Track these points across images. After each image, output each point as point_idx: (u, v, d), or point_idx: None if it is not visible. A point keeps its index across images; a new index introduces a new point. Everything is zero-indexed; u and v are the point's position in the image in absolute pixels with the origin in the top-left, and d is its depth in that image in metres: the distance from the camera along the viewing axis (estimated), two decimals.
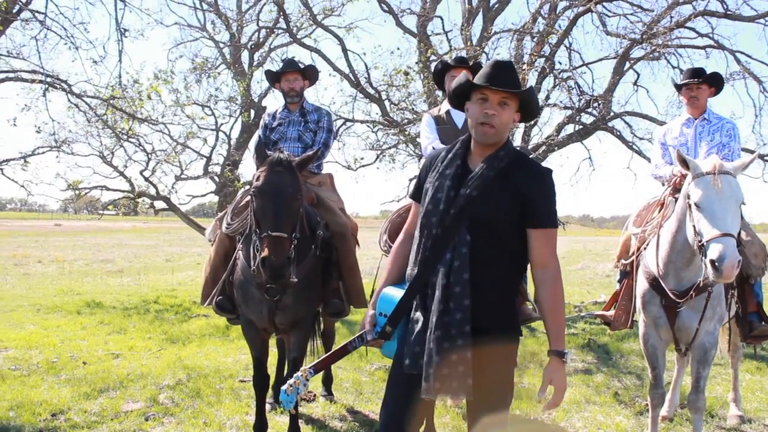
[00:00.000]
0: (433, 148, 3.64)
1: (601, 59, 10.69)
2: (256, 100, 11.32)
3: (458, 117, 4.04)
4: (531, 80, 10.06)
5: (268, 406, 4.25)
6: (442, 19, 11.80)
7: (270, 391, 4.36)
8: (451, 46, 10.26)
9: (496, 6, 10.67)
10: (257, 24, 11.17)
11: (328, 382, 5.02)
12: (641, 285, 3.78)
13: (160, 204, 11.10)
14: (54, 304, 9.45)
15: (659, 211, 3.86)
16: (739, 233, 3.10)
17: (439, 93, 8.73)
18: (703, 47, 10.10)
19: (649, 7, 9.89)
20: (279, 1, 9.72)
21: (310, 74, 4.73)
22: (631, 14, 10.19)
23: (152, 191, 11.08)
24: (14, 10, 8.40)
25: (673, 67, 10.44)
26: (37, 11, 8.46)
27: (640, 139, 10.54)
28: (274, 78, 4.69)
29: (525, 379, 5.49)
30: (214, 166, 11.56)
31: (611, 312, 4.24)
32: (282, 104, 4.73)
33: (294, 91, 4.58)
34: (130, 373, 5.43)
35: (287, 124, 4.61)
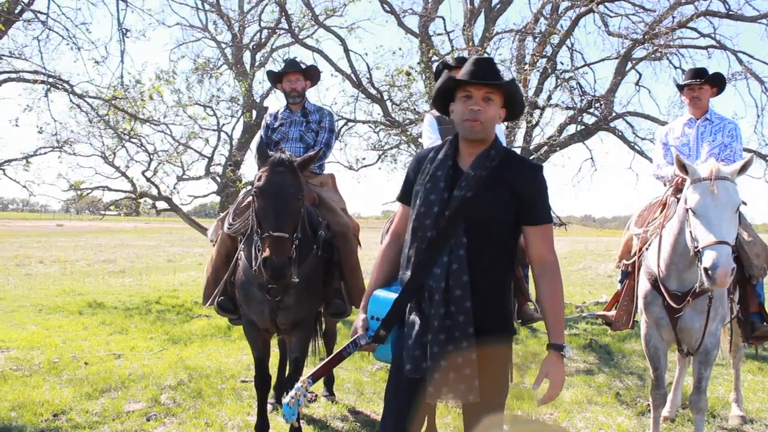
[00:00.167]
0: None
1: (603, 59, 10.71)
2: (257, 100, 11.32)
3: None
4: (533, 81, 10.07)
5: (269, 407, 4.26)
6: (444, 19, 11.84)
7: (272, 392, 4.36)
8: (453, 47, 10.26)
9: (498, 6, 10.68)
10: (259, 24, 11.17)
11: (329, 382, 5.01)
12: (643, 285, 3.77)
13: (161, 204, 11.11)
14: (56, 304, 9.45)
15: (661, 212, 3.85)
16: (739, 235, 3.10)
17: None
18: (705, 47, 10.11)
19: (651, 7, 9.91)
20: (281, 1, 9.72)
21: (311, 74, 4.72)
22: (633, 14, 10.21)
23: (154, 192, 11.09)
24: (16, 11, 8.40)
25: (675, 68, 10.46)
26: (39, 12, 8.50)
27: (642, 139, 10.55)
28: (275, 78, 4.69)
29: (526, 379, 5.48)
30: (215, 166, 11.57)
31: (612, 312, 4.24)
32: (284, 105, 4.73)
33: (296, 91, 4.58)
34: (132, 374, 5.43)
35: (289, 125, 4.60)
